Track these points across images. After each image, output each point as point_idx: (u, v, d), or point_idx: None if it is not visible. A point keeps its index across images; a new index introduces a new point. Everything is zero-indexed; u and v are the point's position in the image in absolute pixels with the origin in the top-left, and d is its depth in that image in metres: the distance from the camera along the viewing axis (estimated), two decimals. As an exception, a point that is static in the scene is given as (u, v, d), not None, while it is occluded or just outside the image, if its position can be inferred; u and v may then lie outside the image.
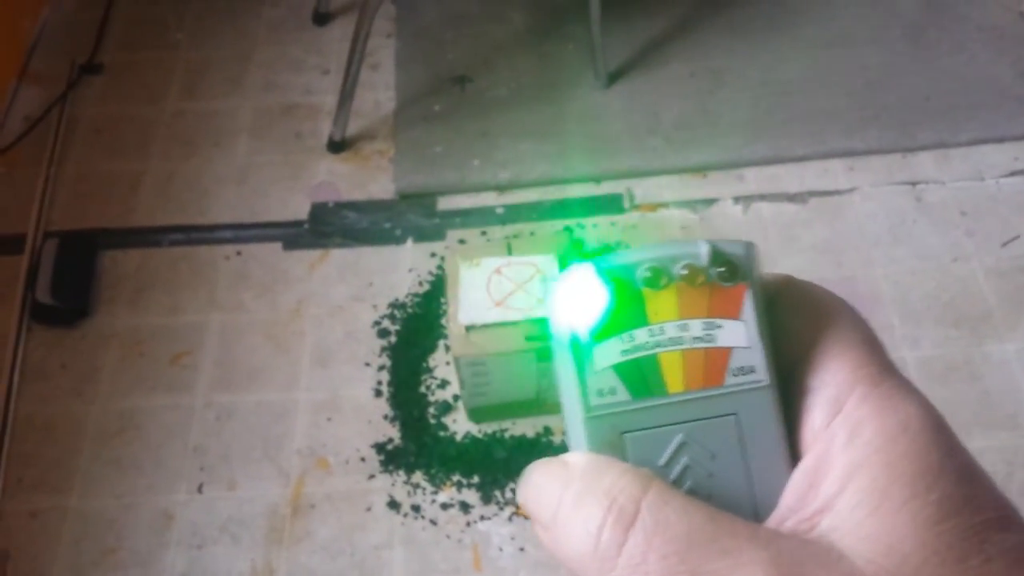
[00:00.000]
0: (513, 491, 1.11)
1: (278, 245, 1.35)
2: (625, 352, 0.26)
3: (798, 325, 0.27)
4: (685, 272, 0.26)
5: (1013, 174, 1.38)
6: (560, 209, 1.38)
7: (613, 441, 0.26)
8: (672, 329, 0.26)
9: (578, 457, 0.25)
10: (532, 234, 1.35)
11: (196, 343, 1.25)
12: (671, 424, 0.26)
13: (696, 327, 0.26)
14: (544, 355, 1.06)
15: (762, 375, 0.26)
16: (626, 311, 0.26)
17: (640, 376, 0.26)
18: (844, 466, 0.24)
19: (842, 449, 0.24)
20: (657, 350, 0.26)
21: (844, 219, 1.34)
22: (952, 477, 0.23)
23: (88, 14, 1.66)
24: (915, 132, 1.42)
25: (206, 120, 1.51)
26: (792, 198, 1.37)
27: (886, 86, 1.48)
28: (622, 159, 1.42)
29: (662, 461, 0.26)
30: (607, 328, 0.26)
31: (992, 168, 1.38)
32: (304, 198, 1.40)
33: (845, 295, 0.27)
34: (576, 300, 0.26)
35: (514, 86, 1.54)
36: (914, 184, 1.38)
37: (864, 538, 0.22)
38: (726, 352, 0.26)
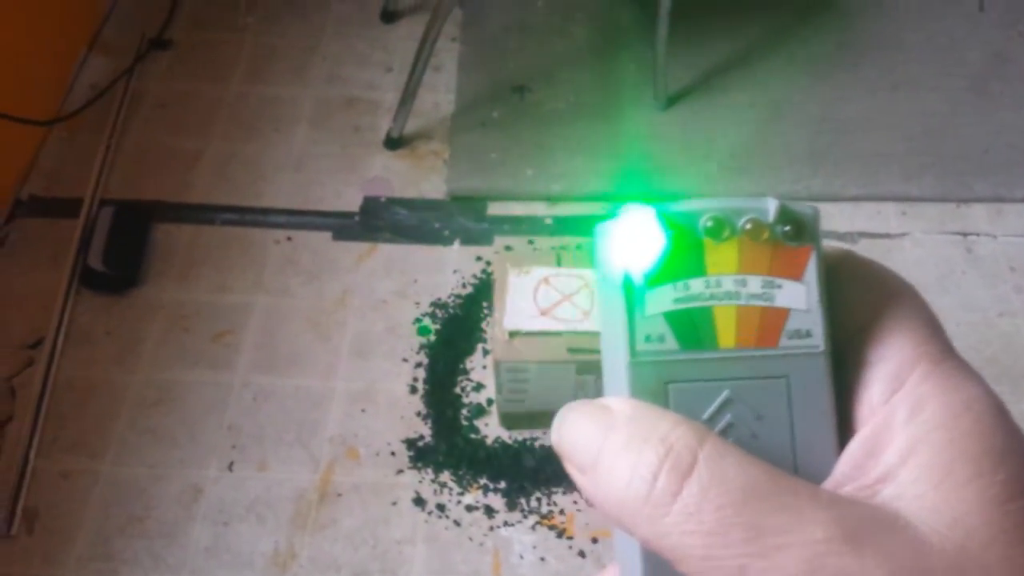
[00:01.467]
0: (539, 500, 1.12)
1: (328, 235, 1.36)
2: (678, 300, 0.25)
3: (859, 298, 0.26)
4: (749, 226, 0.25)
5: (1067, 234, 1.37)
6: (608, 226, 1.38)
7: (656, 389, 0.25)
8: (729, 283, 0.25)
9: (622, 402, 0.25)
10: (579, 247, 1.35)
11: (240, 323, 1.26)
12: (718, 379, 0.25)
13: (755, 284, 0.25)
14: (585, 369, 1.06)
15: (818, 341, 0.25)
16: (684, 259, 0.25)
17: (691, 327, 0.25)
18: (906, 440, 0.23)
19: (903, 424, 0.23)
20: (712, 302, 0.25)
21: (892, 263, 1.32)
22: (1018, 459, 0.23)
23: (161, -9, 1.69)
24: (971, 183, 1.41)
25: (268, 105, 1.53)
26: (842, 237, 1.36)
27: (946, 134, 1.47)
28: (675, 182, 1.42)
29: (705, 416, 0.25)
30: (662, 274, 0.25)
31: (1046, 226, 1.38)
32: (357, 191, 1.42)
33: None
34: (633, 241, 0.25)
35: (573, 100, 1.55)
36: (965, 235, 1.37)
37: (928, 509, 0.22)
38: (783, 313, 0.25)
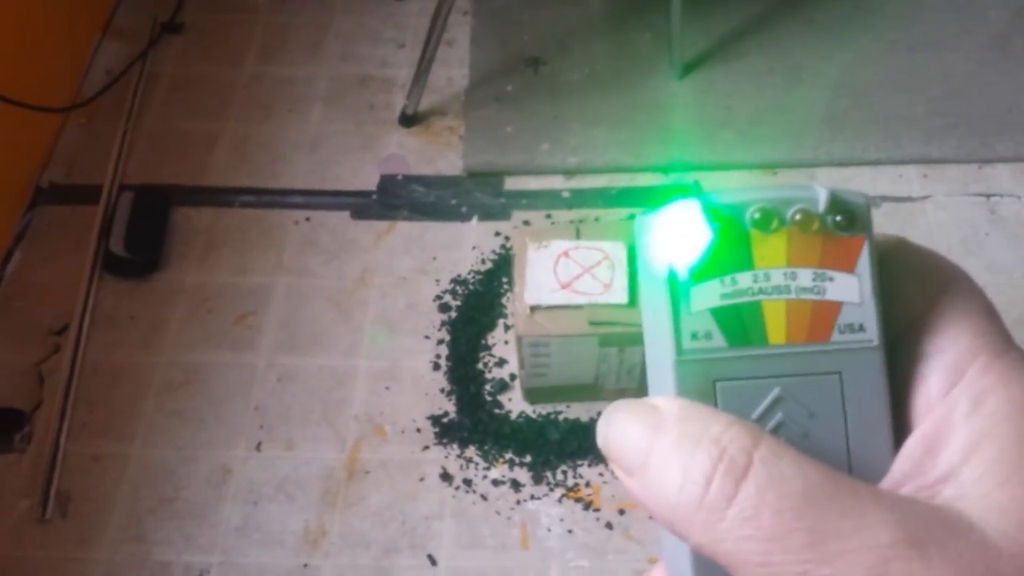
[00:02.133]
0: (565, 473, 1.12)
1: (346, 214, 1.37)
2: (725, 296, 0.24)
3: (912, 288, 0.25)
4: (799, 217, 0.24)
5: (1093, 193, 1.35)
6: (626, 197, 1.38)
7: (703, 388, 0.24)
8: (779, 276, 0.24)
9: (670, 402, 0.24)
10: (597, 220, 1.35)
11: (262, 304, 1.27)
12: (768, 377, 0.24)
13: (805, 277, 0.24)
14: (607, 341, 1.06)
15: (872, 335, 0.24)
16: (731, 252, 0.24)
17: (739, 323, 0.24)
18: (968, 435, 0.22)
19: (965, 418, 0.22)
20: (760, 297, 0.24)
21: (915, 226, 1.32)
22: None
23: (172, -27, 1.69)
24: (994, 143, 1.40)
25: (282, 86, 1.52)
26: (863, 202, 1.35)
27: (967, 95, 1.45)
28: (693, 151, 1.41)
29: (755, 415, 0.24)
30: (708, 268, 0.24)
31: (1071, 185, 1.36)
32: (374, 169, 1.42)
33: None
34: (677, 234, 0.24)
35: (588, 71, 1.53)
36: (989, 196, 1.36)
37: (994, 509, 0.21)
38: (836, 307, 0.24)
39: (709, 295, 0.24)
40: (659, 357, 0.25)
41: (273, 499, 1.11)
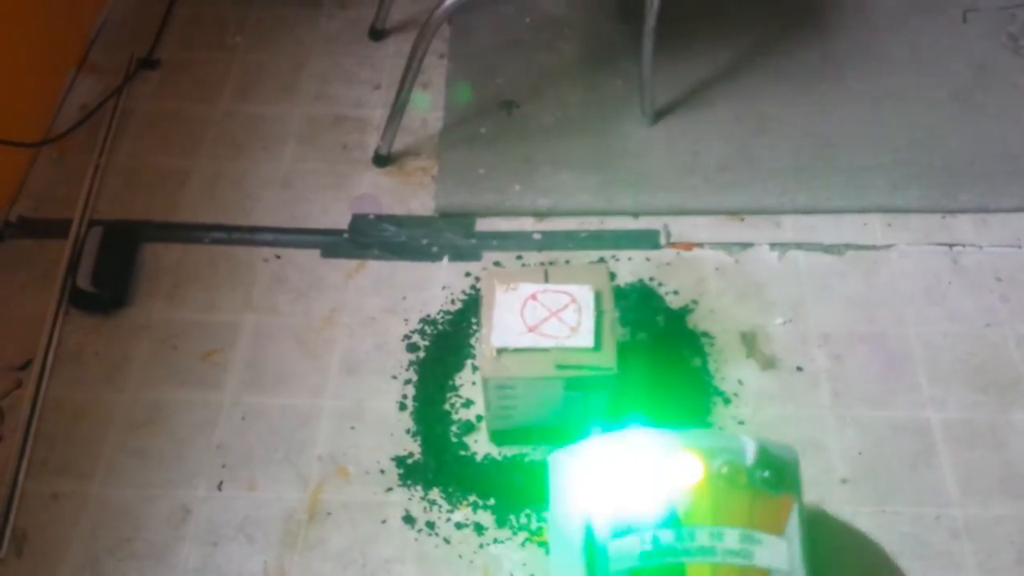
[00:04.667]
0: (529, 516, 1.11)
1: (316, 252, 1.37)
2: (646, 555, 0.22)
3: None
4: (726, 470, 0.23)
5: (1052, 244, 1.38)
6: (596, 240, 1.39)
7: None
8: (704, 536, 0.22)
9: None
10: (567, 262, 1.36)
11: (228, 342, 1.27)
12: None
13: (732, 537, 0.23)
14: (573, 385, 1.06)
15: None
16: (652, 504, 0.22)
17: None
18: None
19: None
20: (684, 559, 0.22)
21: (879, 275, 1.34)
22: None
23: (150, 10, 1.70)
24: (956, 194, 1.42)
25: (256, 124, 1.53)
26: (828, 249, 1.37)
27: (931, 146, 1.48)
28: (661, 196, 1.43)
29: None
30: (628, 521, 0.22)
31: (1031, 236, 1.38)
32: (345, 208, 1.42)
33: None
34: (595, 480, 0.22)
35: (560, 115, 1.55)
36: (951, 246, 1.38)
37: None
38: (763, 575, 0.23)
39: (628, 553, 0.22)
40: None
41: (233, 540, 1.10)
